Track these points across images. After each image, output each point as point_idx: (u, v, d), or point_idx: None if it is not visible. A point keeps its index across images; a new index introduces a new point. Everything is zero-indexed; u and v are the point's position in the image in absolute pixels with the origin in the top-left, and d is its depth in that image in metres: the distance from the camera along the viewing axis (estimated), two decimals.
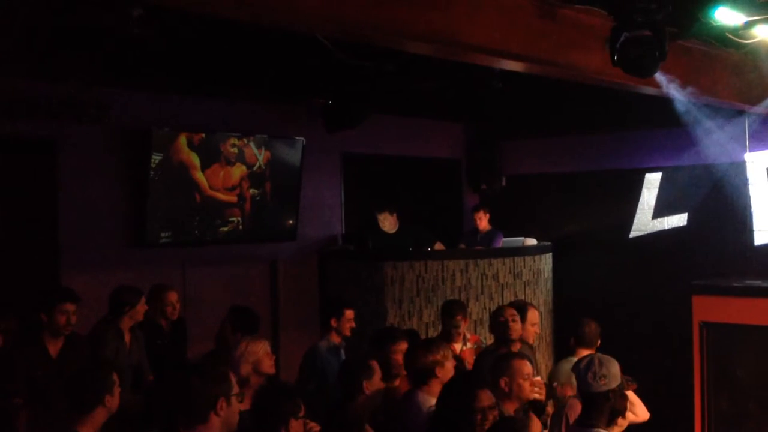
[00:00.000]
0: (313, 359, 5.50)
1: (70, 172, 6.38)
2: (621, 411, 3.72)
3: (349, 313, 5.71)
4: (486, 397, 3.68)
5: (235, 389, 3.03)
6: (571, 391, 4.87)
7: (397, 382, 4.66)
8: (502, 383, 4.20)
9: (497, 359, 4.48)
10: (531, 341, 5.64)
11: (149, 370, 5.50)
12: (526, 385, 4.24)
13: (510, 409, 4.22)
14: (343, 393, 4.34)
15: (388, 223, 7.81)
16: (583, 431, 3.67)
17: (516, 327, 5.29)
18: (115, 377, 3.80)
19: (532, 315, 5.56)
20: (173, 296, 5.87)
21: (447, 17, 4.12)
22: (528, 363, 4.36)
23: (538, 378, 4.50)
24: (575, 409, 4.17)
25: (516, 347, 5.23)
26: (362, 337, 5.75)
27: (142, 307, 5.45)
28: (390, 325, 6.73)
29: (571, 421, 4.05)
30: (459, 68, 5.17)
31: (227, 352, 4.50)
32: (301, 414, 3.53)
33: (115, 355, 5.24)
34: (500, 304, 7.41)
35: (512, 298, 7.51)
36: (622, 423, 3.89)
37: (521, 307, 5.54)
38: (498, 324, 5.35)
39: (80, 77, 6.00)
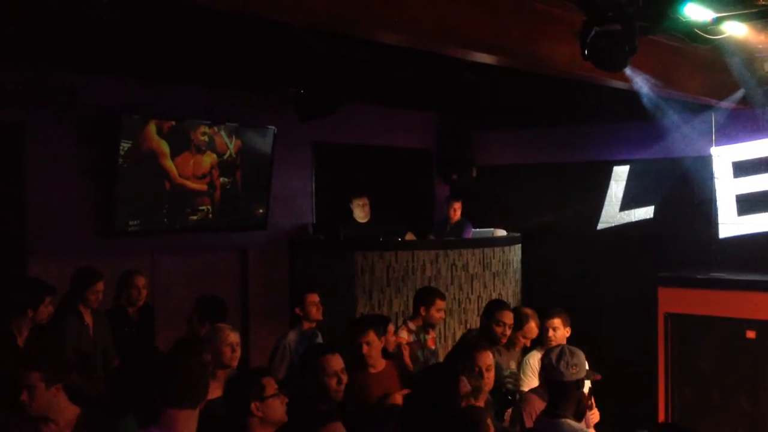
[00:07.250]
0: (283, 349, 5.51)
1: (38, 159, 6.28)
2: (585, 404, 3.80)
3: (312, 297, 5.66)
4: (463, 385, 3.74)
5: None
6: (527, 386, 4.94)
7: (371, 371, 4.66)
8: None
9: (462, 350, 4.56)
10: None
11: (116, 355, 5.47)
12: (489, 376, 4.28)
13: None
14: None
15: (361, 210, 7.79)
16: (552, 422, 3.69)
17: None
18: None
19: (529, 328, 5.46)
20: (141, 281, 5.81)
21: (418, 7, 4.13)
22: (490, 354, 4.40)
23: None
24: (532, 403, 4.22)
25: None
26: (332, 327, 5.76)
27: (100, 287, 5.39)
28: (361, 315, 6.74)
29: (533, 415, 4.09)
30: (431, 59, 5.18)
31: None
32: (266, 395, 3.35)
33: (78, 337, 5.19)
34: (469, 294, 7.50)
35: (482, 289, 7.57)
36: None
37: (521, 319, 5.45)
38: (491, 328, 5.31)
39: (49, 62, 5.92)
